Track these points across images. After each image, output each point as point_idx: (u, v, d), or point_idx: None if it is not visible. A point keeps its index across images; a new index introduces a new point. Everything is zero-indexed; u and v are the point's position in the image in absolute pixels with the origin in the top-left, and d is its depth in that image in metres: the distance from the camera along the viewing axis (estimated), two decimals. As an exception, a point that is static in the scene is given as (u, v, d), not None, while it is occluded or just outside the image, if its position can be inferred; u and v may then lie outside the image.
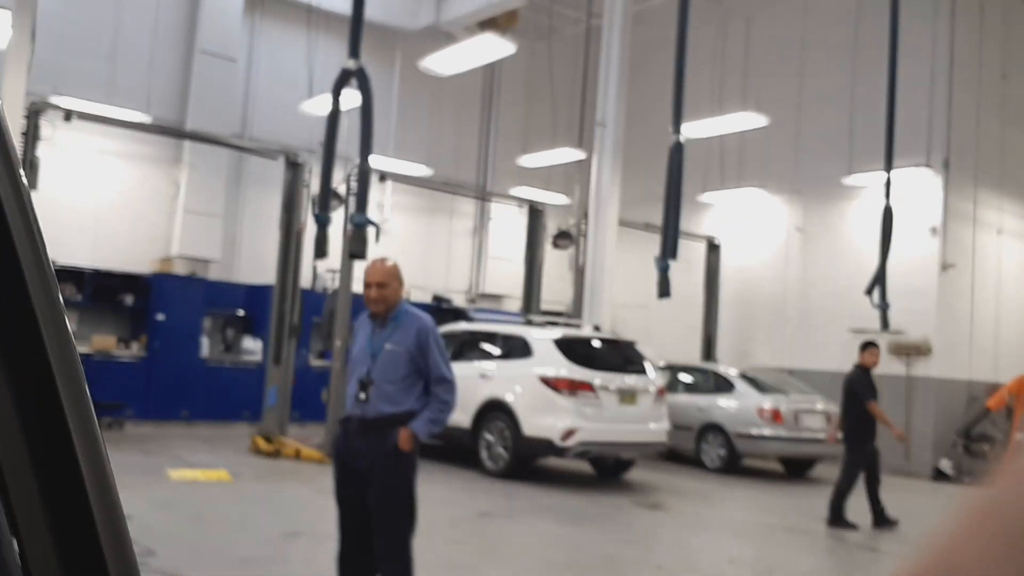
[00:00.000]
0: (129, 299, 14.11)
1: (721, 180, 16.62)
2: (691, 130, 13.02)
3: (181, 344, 13.90)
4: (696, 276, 16.01)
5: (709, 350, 15.84)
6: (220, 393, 14.03)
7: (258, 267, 15.14)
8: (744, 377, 12.90)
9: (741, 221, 17.01)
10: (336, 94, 9.33)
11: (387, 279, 4.34)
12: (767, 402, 12.25)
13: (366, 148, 8.69)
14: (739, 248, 16.72)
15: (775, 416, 12.11)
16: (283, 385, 11.73)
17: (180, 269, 14.65)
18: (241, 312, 15.12)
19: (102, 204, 14.51)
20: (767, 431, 12.11)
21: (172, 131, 14.16)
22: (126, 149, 14.80)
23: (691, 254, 15.51)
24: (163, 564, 5.58)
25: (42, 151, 10.24)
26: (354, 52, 8.82)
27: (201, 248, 15.04)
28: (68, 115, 10.72)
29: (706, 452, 12.72)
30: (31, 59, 9.54)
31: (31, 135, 9.95)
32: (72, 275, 13.67)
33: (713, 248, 16.32)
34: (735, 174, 16.65)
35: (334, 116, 9.38)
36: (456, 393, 4.37)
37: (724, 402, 12.66)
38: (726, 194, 16.86)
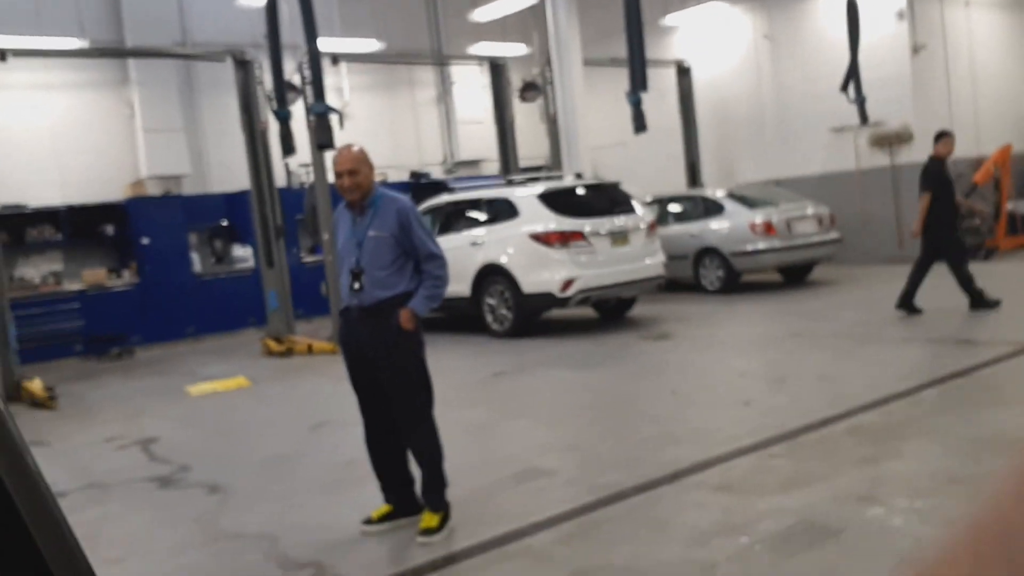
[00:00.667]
0: (110, 229, 14.00)
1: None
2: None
3: (172, 264, 13.90)
4: (670, 104, 15.78)
5: (694, 176, 15.79)
6: (221, 304, 14.14)
7: (230, 175, 14.91)
8: (732, 196, 12.93)
9: (708, 39, 16.61)
10: (269, -20, 8.98)
11: (357, 165, 4.31)
12: (758, 217, 12.33)
13: (311, 31, 8.44)
14: (709, 67, 16.39)
15: (768, 229, 12.22)
16: (281, 286, 11.81)
17: (154, 190, 14.48)
18: (225, 222, 15.03)
19: (59, 140, 14.17)
20: (762, 245, 12.25)
21: (112, 51, 13.67)
22: (70, 79, 14.31)
23: (662, 82, 15.22)
24: (200, 476, 5.79)
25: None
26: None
27: (170, 165, 14.80)
28: (2, 55, 10.31)
29: (704, 276, 12.92)
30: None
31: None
32: (47, 216, 13.54)
33: (683, 72, 15.99)
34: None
35: (272, 4, 9.07)
36: (447, 267, 4.41)
37: (716, 224, 12.74)
38: (689, 13, 16.39)
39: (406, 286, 4.30)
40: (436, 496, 4.34)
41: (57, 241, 13.66)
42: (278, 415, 7.82)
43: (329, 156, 11.47)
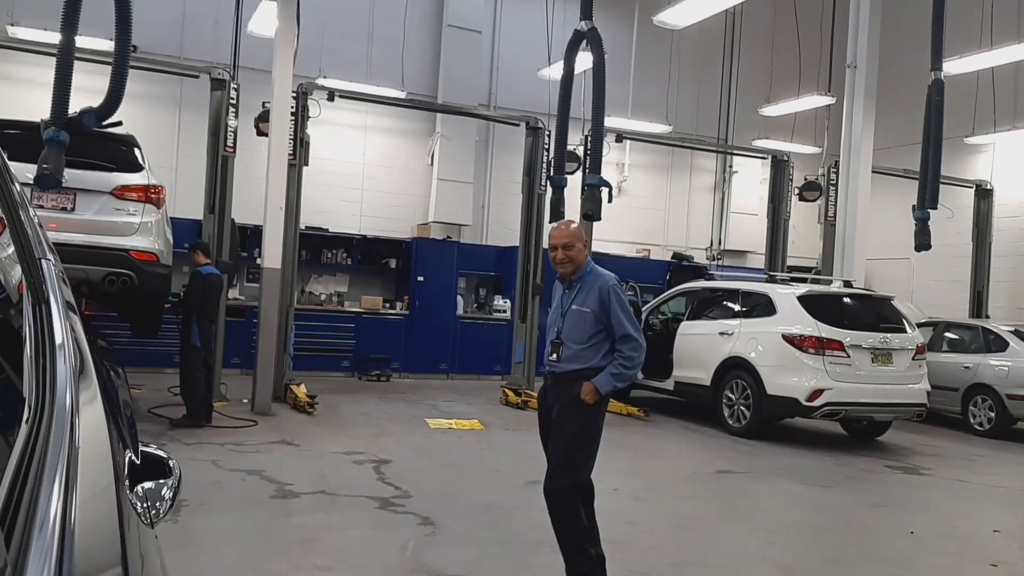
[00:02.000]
0: (393, 262, 15.32)
1: (994, 119, 15.05)
2: (955, 66, 11.93)
3: (439, 303, 14.90)
4: (964, 226, 14.70)
5: (979, 306, 14.53)
6: (474, 348, 14.94)
7: (506, 230, 15.83)
8: (1019, 334, 11.76)
9: (1017, 163, 15.34)
10: (568, 56, 9.52)
11: (572, 240, 4.49)
12: (1048, 361, 11.11)
13: (599, 108, 8.82)
14: (1014, 193, 15.11)
15: (1056, 376, 10.97)
16: (528, 341, 12.28)
17: (437, 234, 15.67)
18: (492, 273, 15.92)
19: (367, 176, 15.83)
20: (1046, 392, 11.01)
21: (426, 105, 15.07)
22: (385, 124, 15.99)
23: (958, 201, 14.24)
24: (417, 506, 6.14)
25: (311, 130, 11.28)
26: (586, 13, 8.94)
27: (455, 214, 16.00)
28: (331, 95, 11.70)
29: (974, 415, 11.80)
30: (296, 44, 10.43)
31: (300, 115, 10.94)
32: (344, 242, 15.10)
33: (984, 194, 14.87)
34: (1010, 111, 15.01)
35: (567, 79, 9.60)
36: (642, 351, 4.42)
37: (996, 361, 11.66)
38: (1000, 136, 15.24)
39: (598, 362, 4.39)
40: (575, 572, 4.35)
41: (347, 265, 15.16)
42: (501, 463, 8.10)
43: (597, 227, 11.89)
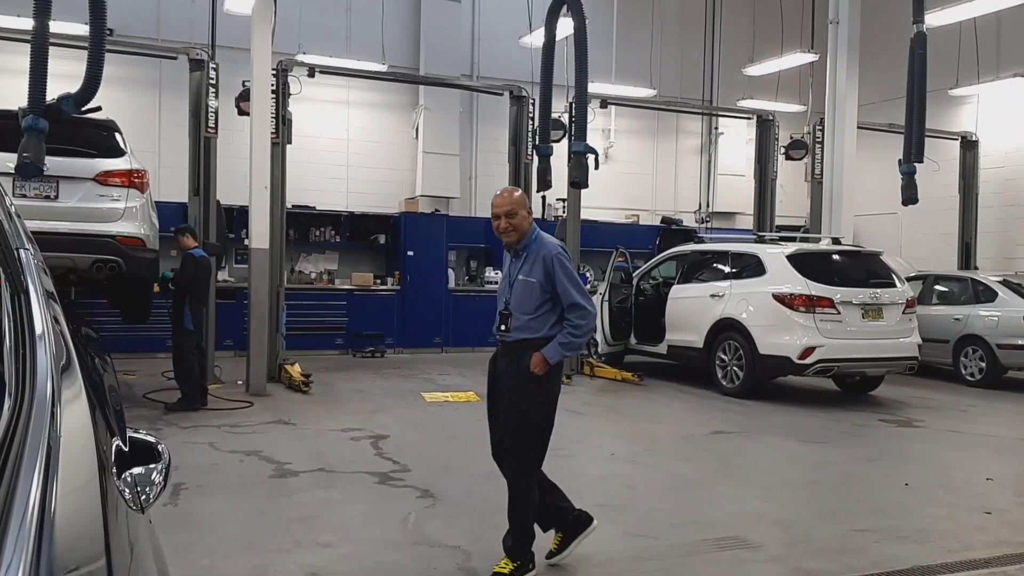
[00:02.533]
0: (382, 238, 15.27)
1: (977, 70, 15.02)
2: (937, 18, 11.87)
3: (430, 277, 14.89)
4: (950, 178, 14.72)
5: (967, 258, 14.61)
6: (467, 321, 14.94)
7: (494, 201, 15.75)
8: (1008, 284, 11.84)
9: (1002, 114, 15.33)
10: (549, 23, 9.44)
11: (515, 208, 4.33)
12: (1036, 309, 11.19)
13: (582, 74, 8.78)
14: (999, 144, 15.12)
15: (1046, 324, 11.05)
16: (521, 312, 12.27)
17: (425, 208, 15.62)
18: (482, 244, 15.89)
19: (352, 152, 15.73)
20: (1036, 341, 11.11)
21: (408, 78, 14.94)
22: (367, 98, 15.87)
23: (944, 154, 14.25)
24: (416, 479, 6.18)
25: (293, 107, 11.18)
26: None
27: (442, 187, 15.93)
28: (312, 71, 11.59)
29: (964, 365, 11.90)
30: (274, 21, 10.27)
31: (281, 93, 10.83)
32: (332, 219, 15.03)
33: (969, 146, 14.88)
34: (993, 62, 14.97)
35: (549, 45, 9.54)
36: (591, 318, 4.33)
37: (985, 311, 11.74)
38: (984, 87, 15.22)
39: (547, 332, 4.28)
40: (516, 545, 4.29)
41: (336, 243, 15.12)
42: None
43: (586, 194, 11.87)
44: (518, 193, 4.47)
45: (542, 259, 4.28)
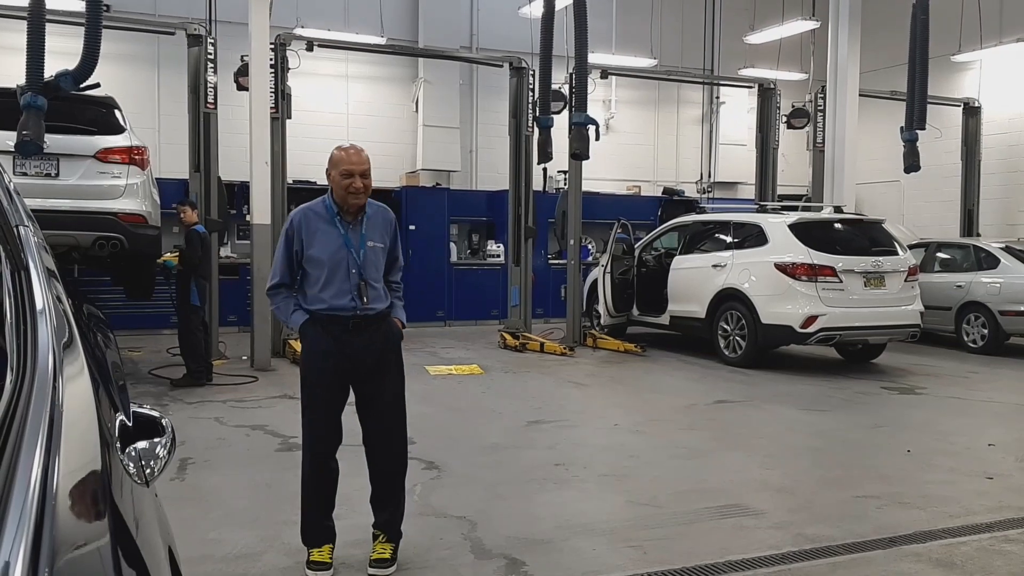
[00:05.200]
0: (383, 212, 15.21)
1: (980, 35, 14.88)
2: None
3: (432, 251, 14.89)
4: (952, 145, 14.64)
5: (969, 225, 14.58)
6: (470, 294, 14.97)
7: (495, 174, 15.73)
8: (1010, 251, 11.83)
9: (1004, 80, 15.21)
10: (549, -6, 9.36)
11: (369, 168, 4.04)
12: (1038, 275, 11.19)
13: (582, 44, 8.73)
14: (1002, 110, 15.02)
15: (1048, 290, 11.06)
16: (524, 284, 12.31)
17: (426, 181, 15.58)
18: (484, 218, 15.87)
19: (352, 126, 15.65)
20: (1039, 307, 11.11)
21: (407, 50, 14.85)
22: (366, 72, 15.77)
23: (946, 120, 14.16)
24: (421, 452, 6.21)
25: (292, 82, 11.11)
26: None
27: (443, 160, 15.89)
28: (310, 45, 11.52)
29: (967, 332, 11.91)
30: (271, -6, 10.22)
31: (280, 67, 10.76)
32: (334, 194, 14.96)
33: (971, 112, 14.78)
34: (996, 27, 14.83)
35: (548, 16, 9.46)
36: None
37: (987, 278, 11.74)
38: (987, 52, 15.10)
39: (387, 299, 4.12)
40: (398, 526, 4.18)
41: (338, 218, 15.07)
42: (502, 406, 8.18)
43: (587, 166, 11.83)
44: (365, 151, 4.11)
45: (384, 222, 4.10)
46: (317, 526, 4.08)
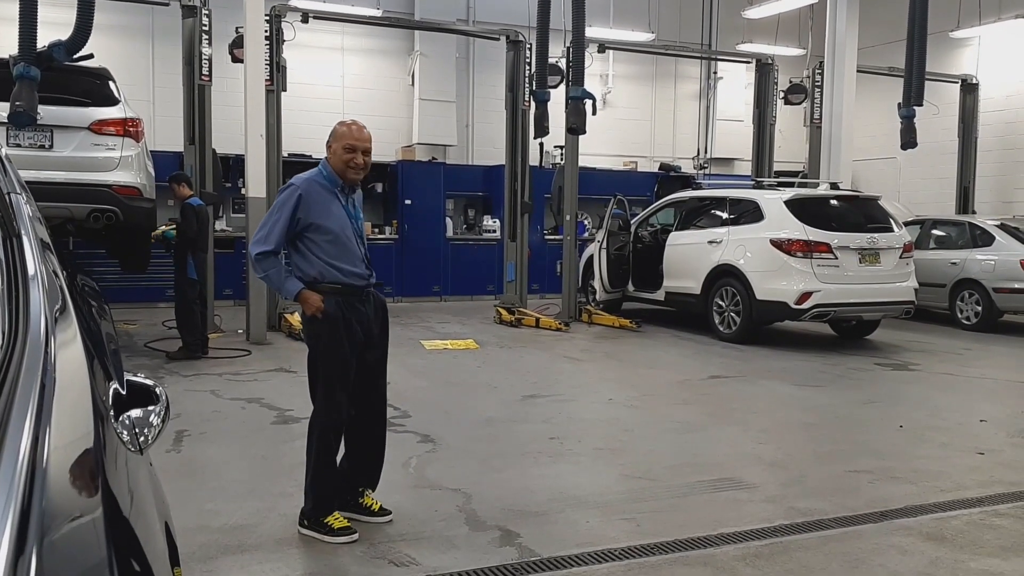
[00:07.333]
0: (379, 187, 15.19)
1: (979, 11, 14.81)
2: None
3: (428, 226, 14.86)
4: (949, 122, 14.61)
5: (965, 202, 14.58)
6: (466, 269, 14.97)
7: (492, 149, 15.69)
8: (1005, 228, 11.85)
9: (1003, 57, 15.15)
10: (546, -34, 9.28)
11: (371, 147, 4.13)
12: (1032, 252, 11.22)
13: (579, 18, 8.67)
14: (1000, 87, 14.98)
15: (1042, 268, 11.09)
16: (520, 260, 12.30)
17: (422, 156, 15.52)
18: (480, 193, 15.83)
19: (348, 100, 15.56)
20: (1033, 284, 11.15)
21: (403, 23, 14.72)
22: (362, 44, 15.66)
23: (944, 97, 14.12)
24: (417, 425, 6.25)
25: (287, 54, 11.03)
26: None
27: (439, 134, 15.81)
28: (306, 17, 11.42)
29: (961, 310, 11.96)
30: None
31: (274, 39, 10.67)
32: (327, 169, 14.90)
33: (969, 89, 14.73)
34: (995, 3, 14.75)
35: (546, -11, 9.39)
36: None
37: (982, 256, 11.77)
38: (985, 28, 15.03)
39: None
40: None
41: (332, 192, 15.02)
42: (497, 380, 8.21)
43: (584, 140, 11.78)
44: (367, 128, 4.18)
45: (360, 199, 4.29)
46: (334, 494, 4.19)
